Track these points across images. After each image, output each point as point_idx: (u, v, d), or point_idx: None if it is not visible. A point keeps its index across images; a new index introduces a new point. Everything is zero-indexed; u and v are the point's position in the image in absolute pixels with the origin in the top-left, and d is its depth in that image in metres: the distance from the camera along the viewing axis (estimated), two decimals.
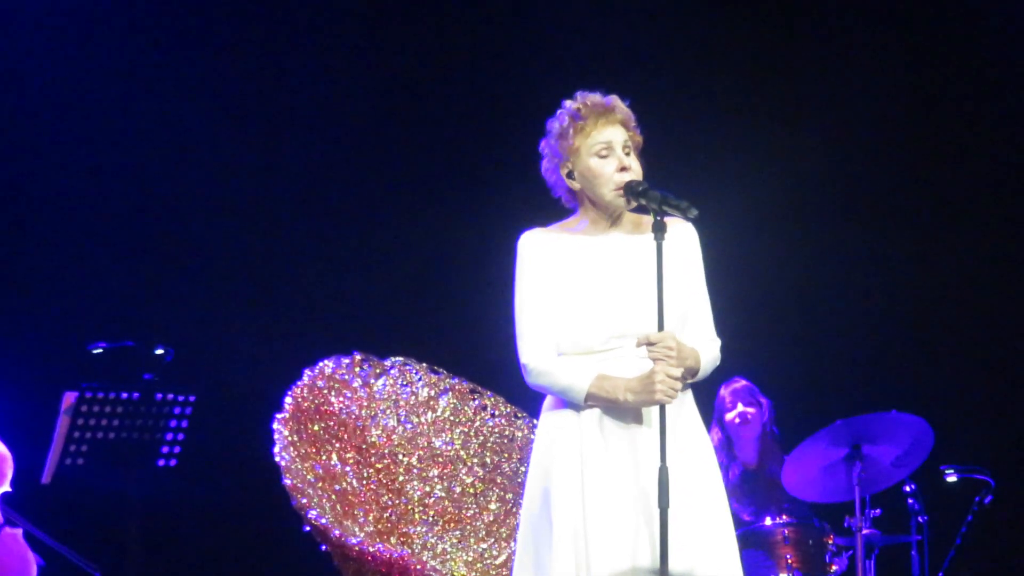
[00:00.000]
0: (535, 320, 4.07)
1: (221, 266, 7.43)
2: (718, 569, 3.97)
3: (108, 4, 7.44)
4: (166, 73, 7.49)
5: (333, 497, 5.20)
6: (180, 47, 7.52)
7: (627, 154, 4.09)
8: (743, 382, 6.97)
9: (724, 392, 6.96)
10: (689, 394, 4.10)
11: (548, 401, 4.11)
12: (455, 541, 5.44)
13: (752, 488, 6.92)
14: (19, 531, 6.18)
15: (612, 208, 4.11)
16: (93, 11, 7.38)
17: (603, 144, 4.08)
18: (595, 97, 4.13)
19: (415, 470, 5.48)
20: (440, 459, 5.51)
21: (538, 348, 4.06)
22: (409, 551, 5.29)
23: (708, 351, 4.08)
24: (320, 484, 5.16)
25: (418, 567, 4.90)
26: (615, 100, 4.13)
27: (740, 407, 6.92)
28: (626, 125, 4.12)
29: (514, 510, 5.45)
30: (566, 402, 4.04)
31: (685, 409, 4.07)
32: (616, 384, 3.97)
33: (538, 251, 4.12)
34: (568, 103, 4.14)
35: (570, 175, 4.13)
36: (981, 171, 7.83)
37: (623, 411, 3.99)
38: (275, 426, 5.14)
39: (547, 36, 7.73)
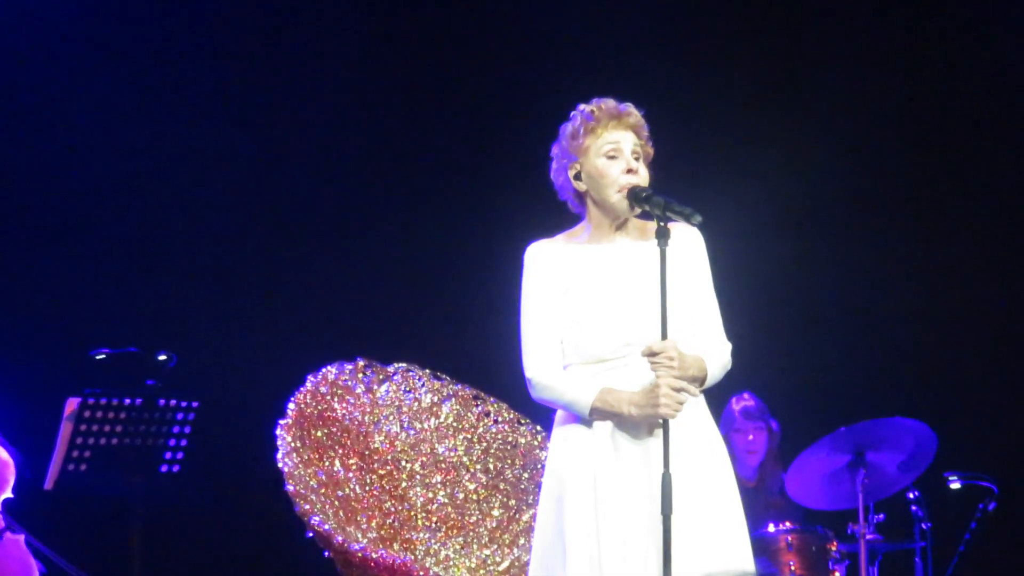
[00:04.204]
0: (540, 334, 4.09)
1: (224, 271, 7.43)
2: (728, 562, 3.98)
3: (117, 8, 7.44)
4: (170, 80, 7.49)
5: (336, 503, 5.20)
6: (185, 54, 7.52)
7: (636, 159, 4.10)
8: (754, 401, 6.91)
9: (735, 408, 6.89)
10: (701, 399, 4.10)
11: (560, 412, 4.11)
12: (458, 547, 5.44)
13: (750, 506, 6.89)
14: (21, 537, 6.18)
15: (616, 212, 4.11)
16: (101, 16, 7.38)
17: (612, 145, 4.09)
18: (610, 102, 4.15)
19: (418, 476, 5.48)
20: (443, 465, 5.51)
21: (543, 362, 4.07)
22: (412, 557, 5.28)
23: (718, 357, 4.08)
24: (323, 490, 5.16)
25: (421, 573, 4.90)
26: (630, 107, 4.16)
27: (752, 430, 6.86)
28: (638, 132, 4.13)
29: (517, 516, 5.45)
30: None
31: (696, 414, 4.07)
32: (620, 398, 3.98)
33: (543, 263, 4.13)
34: (582, 106, 4.16)
35: (577, 176, 4.14)
36: (987, 178, 7.82)
37: (634, 421, 3.99)
38: (278, 432, 5.14)
39: (554, 40, 7.72)
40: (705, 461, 4.05)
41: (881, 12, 7.98)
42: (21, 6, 7.31)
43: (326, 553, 5.01)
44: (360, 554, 4.83)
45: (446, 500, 5.46)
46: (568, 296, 4.08)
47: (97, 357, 6.15)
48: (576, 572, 3.95)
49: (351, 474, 5.33)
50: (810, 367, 7.77)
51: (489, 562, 5.40)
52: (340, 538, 4.88)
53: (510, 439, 5.53)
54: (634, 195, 4.05)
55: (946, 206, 7.88)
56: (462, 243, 7.53)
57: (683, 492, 3.91)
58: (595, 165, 4.10)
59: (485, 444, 5.53)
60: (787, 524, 6.56)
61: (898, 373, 7.71)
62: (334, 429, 5.35)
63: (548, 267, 4.12)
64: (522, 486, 5.47)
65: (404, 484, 5.45)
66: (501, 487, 5.49)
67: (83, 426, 5.94)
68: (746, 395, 6.90)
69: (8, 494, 6.17)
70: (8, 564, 6.12)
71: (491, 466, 5.51)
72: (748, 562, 4.05)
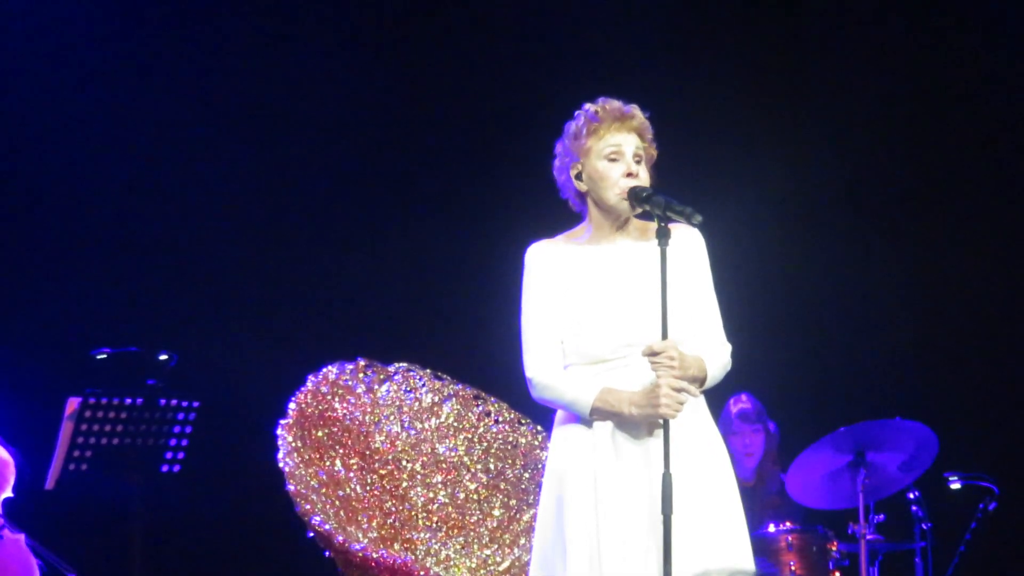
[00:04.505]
0: (540, 334, 4.08)
1: (225, 271, 7.43)
2: (727, 560, 3.98)
3: (117, 8, 7.44)
4: (172, 80, 7.49)
5: (336, 503, 5.20)
6: (186, 56, 7.52)
7: (637, 162, 4.10)
8: (751, 404, 6.89)
9: (732, 410, 6.86)
10: (701, 400, 4.10)
11: (561, 412, 4.11)
12: (458, 547, 5.44)
13: (748, 506, 6.87)
14: (21, 536, 6.18)
15: (616, 213, 4.11)
16: (102, 18, 7.38)
17: (614, 147, 4.09)
18: (614, 103, 4.14)
19: (419, 476, 5.48)
20: (444, 465, 5.51)
21: (543, 362, 4.07)
22: (412, 557, 5.28)
23: (717, 358, 4.08)
24: (324, 490, 5.16)
25: (421, 573, 4.90)
26: (634, 108, 4.15)
27: (749, 433, 6.85)
28: (641, 135, 4.13)
29: (517, 516, 5.45)
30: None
31: (697, 415, 4.07)
32: (620, 398, 3.97)
33: (544, 263, 4.12)
34: (587, 105, 4.16)
35: (579, 176, 4.14)
36: (987, 179, 7.82)
37: (634, 421, 4.00)
38: (279, 432, 5.14)
39: (554, 41, 7.72)
40: (705, 461, 4.05)
41: (881, 12, 7.98)
42: (23, 6, 7.31)
43: (327, 553, 5.01)
44: (361, 554, 4.83)
45: (447, 500, 5.47)
46: (568, 296, 4.08)
47: (98, 357, 6.15)
48: (576, 572, 3.95)
49: (352, 474, 5.34)
50: (810, 367, 7.78)
51: (490, 562, 5.41)
52: (341, 538, 4.88)
53: (511, 439, 5.54)
54: (634, 195, 4.05)
55: (946, 206, 7.88)
56: (462, 243, 7.53)
57: (683, 492, 3.91)
58: (596, 167, 4.10)
59: (486, 444, 5.54)
60: (787, 524, 6.56)
61: (899, 373, 7.71)
62: (335, 429, 5.35)
63: (548, 267, 4.12)
64: (523, 486, 5.47)
65: (405, 484, 5.45)
66: (502, 487, 5.49)
67: (84, 426, 5.95)
68: (744, 397, 6.88)
69: (8, 494, 6.17)
70: (8, 563, 6.12)
71: (492, 466, 5.51)
72: (748, 560, 4.05)
